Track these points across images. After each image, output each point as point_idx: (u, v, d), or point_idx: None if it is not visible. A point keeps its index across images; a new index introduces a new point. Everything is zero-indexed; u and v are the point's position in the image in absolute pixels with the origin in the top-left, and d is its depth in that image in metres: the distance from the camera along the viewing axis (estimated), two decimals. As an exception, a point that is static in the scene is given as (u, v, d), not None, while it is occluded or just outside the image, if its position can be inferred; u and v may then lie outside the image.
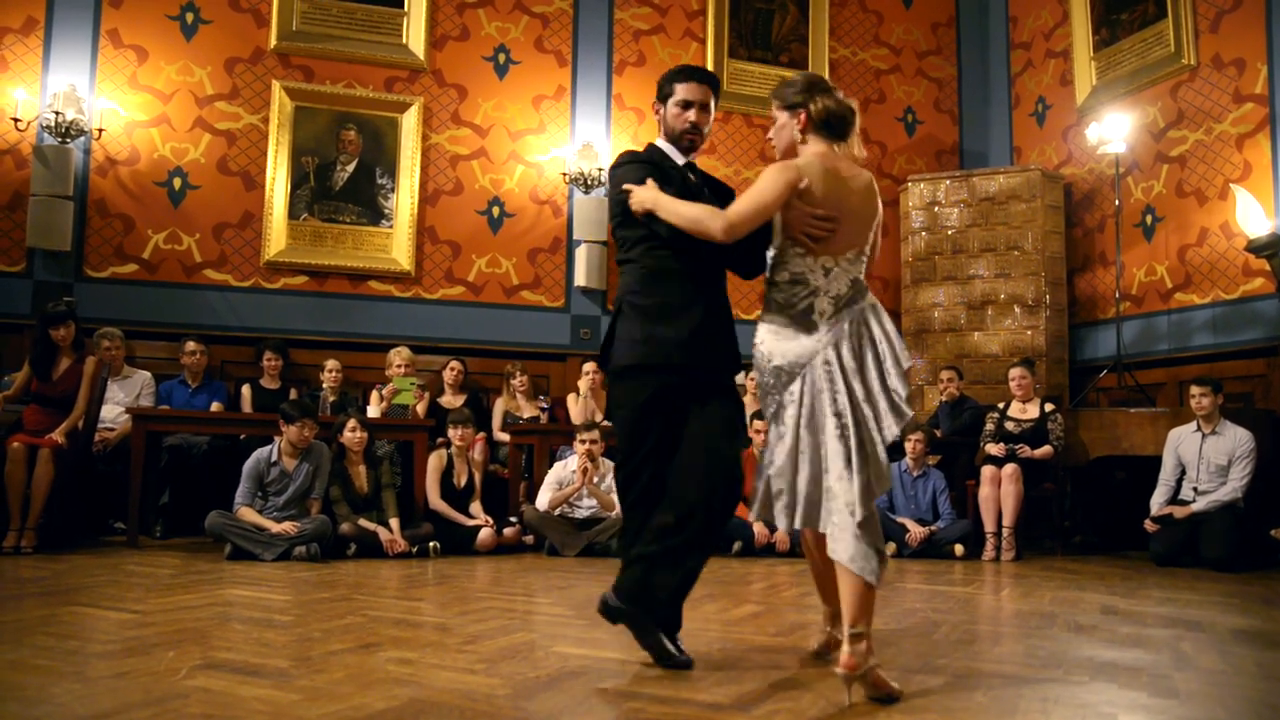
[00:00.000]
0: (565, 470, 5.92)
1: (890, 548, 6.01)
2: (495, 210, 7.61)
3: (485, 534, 5.63)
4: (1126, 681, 2.54)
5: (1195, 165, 6.91)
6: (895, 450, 6.41)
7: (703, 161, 8.14)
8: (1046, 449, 6.21)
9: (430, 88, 7.54)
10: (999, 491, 5.99)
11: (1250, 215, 6.09)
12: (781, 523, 2.52)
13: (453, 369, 6.94)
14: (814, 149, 2.59)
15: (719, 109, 8.85)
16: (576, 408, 6.96)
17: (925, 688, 2.43)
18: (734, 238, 2.48)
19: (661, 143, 2.86)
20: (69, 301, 5.58)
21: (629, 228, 2.75)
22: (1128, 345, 7.08)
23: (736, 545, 5.84)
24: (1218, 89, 6.77)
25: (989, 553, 5.92)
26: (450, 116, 7.58)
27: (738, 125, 8.26)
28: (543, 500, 5.83)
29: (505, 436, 6.73)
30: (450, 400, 6.84)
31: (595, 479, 5.83)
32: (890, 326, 2.52)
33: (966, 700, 2.32)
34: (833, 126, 2.59)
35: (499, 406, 7.04)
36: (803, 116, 2.60)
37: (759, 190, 2.47)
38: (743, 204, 2.49)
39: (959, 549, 5.90)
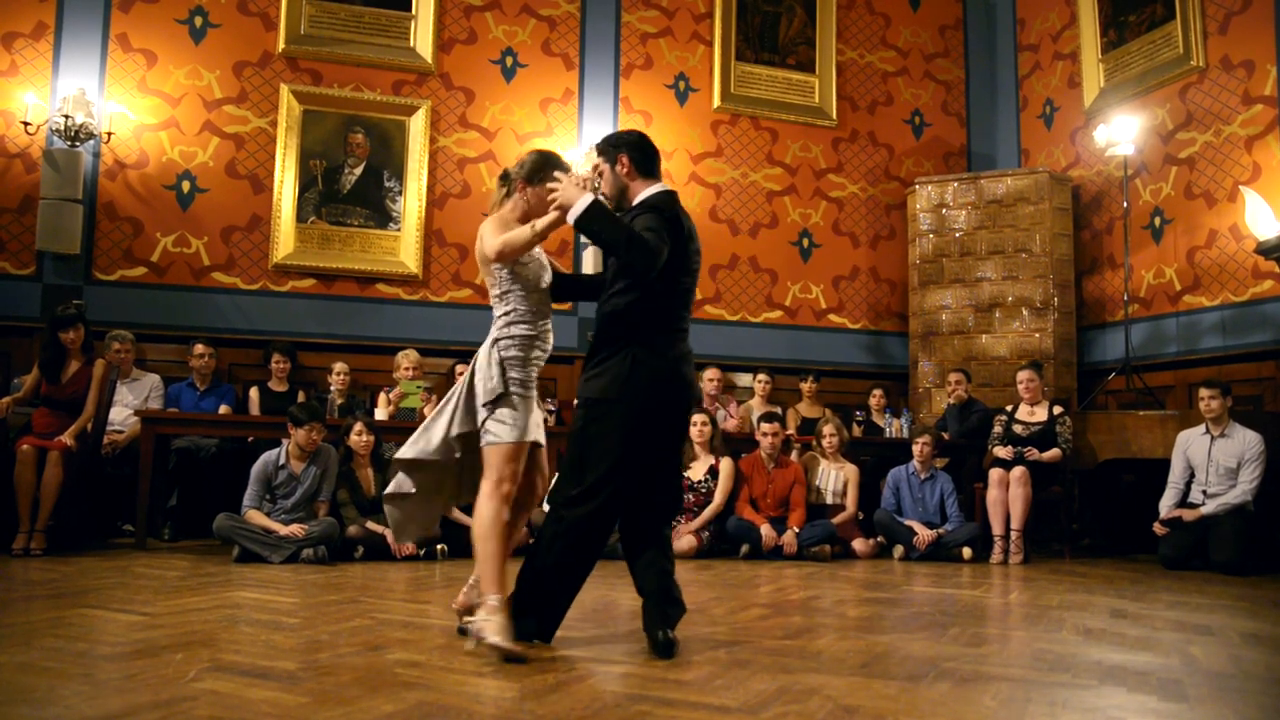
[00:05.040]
0: (572, 473, 5.90)
1: (898, 550, 6.01)
2: (502, 213, 7.60)
3: (492, 536, 5.62)
4: (1135, 685, 2.53)
5: (1204, 167, 6.88)
6: (903, 452, 6.40)
7: (710, 165, 8.15)
8: (1054, 452, 6.19)
9: (438, 91, 7.55)
10: (1007, 494, 5.98)
11: (1259, 217, 6.07)
12: None
13: (460, 373, 6.95)
14: None
15: (726, 110, 8.75)
16: (583, 410, 6.94)
17: (933, 691, 2.42)
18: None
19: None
20: (78, 305, 5.58)
21: None
22: (1136, 348, 7.06)
23: (744, 548, 5.83)
24: (1226, 90, 6.75)
25: (997, 556, 5.90)
26: (458, 119, 7.58)
27: (745, 128, 8.25)
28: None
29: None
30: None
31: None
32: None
33: (975, 704, 2.31)
34: None
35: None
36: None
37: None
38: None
39: (967, 552, 5.89)
